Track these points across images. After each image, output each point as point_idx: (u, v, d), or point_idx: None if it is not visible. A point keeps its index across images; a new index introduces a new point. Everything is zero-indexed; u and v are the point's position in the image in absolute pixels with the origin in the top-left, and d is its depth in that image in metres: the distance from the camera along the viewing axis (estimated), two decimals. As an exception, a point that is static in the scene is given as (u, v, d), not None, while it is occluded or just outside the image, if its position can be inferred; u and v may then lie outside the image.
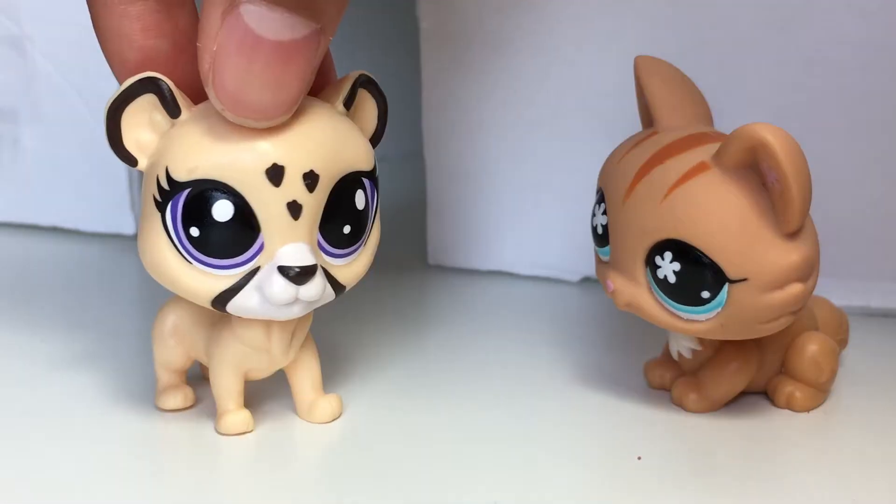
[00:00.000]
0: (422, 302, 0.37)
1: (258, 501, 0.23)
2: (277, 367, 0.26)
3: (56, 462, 0.25)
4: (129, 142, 0.23)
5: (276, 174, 0.22)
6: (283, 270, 0.23)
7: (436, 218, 0.38)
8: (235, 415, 0.25)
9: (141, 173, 0.24)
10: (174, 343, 0.26)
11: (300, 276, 0.23)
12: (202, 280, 0.23)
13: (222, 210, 0.22)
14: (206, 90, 0.22)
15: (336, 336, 0.31)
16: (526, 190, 0.37)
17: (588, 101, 0.35)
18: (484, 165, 0.37)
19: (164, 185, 0.22)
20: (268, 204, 0.22)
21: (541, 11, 0.34)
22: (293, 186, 0.23)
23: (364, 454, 0.25)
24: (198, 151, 0.22)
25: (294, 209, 0.23)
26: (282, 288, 0.23)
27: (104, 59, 0.24)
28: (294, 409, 0.27)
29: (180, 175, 0.22)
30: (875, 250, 0.33)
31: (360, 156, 0.24)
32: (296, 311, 0.24)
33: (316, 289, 0.23)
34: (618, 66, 0.32)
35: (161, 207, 0.23)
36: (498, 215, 0.37)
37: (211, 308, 0.24)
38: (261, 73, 0.21)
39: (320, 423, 0.26)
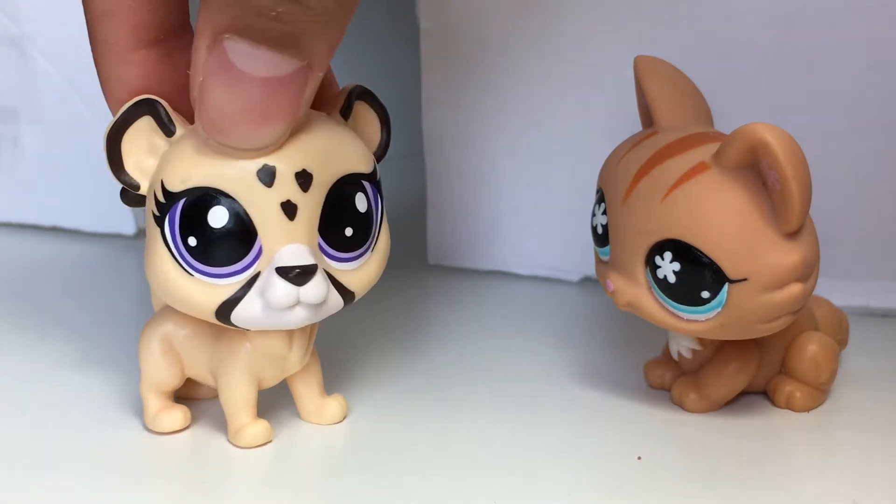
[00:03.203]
0: (422, 302, 0.37)
1: None
2: (289, 374, 0.26)
3: (54, 466, 0.25)
4: (131, 166, 0.23)
5: (266, 174, 0.22)
6: (281, 271, 0.23)
7: (436, 218, 0.38)
8: (254, 426, 0.25)
9: None
10: (167, 363, 0.26)
11: (299, 276, 0.23)
12: (204, 291, 0.23)
13: (218, 216, 0.22)
14: (195, 119, 0.22)
15: (336, 336, 0.31)
16: (526, 190, 0.37)
17: (588, 101, 0.35)
18: (484, 165, 0.37)
19: (161, 197, 0.23)
20: (262, 205, 0.22)
21: (541, 11, 0.34)
22: (286, 186, 0.23)
23: (365, 455, 0.25)
24: (190, 161, 0.23)
25: (288, 209, 0.23)
26: (282, 290, 0.23)
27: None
28: (297, 413, 0.27)
29: (174, 186, 0.22)
30: (875, 250, 0.33)
31: (356, 158, 0.24)
32: (299, 317, 0.23)
33: (317, 290, 0.23)
34: (618, 66, 0.32)
35: (160, 221, 0.23)
36: (498, 215, 0.37)
37: (215, 321, 0.23)
38: (244, 106, 0.21)
39: (330, 424, 0.26)
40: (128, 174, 0.23)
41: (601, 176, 0.27)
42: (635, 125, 0.29)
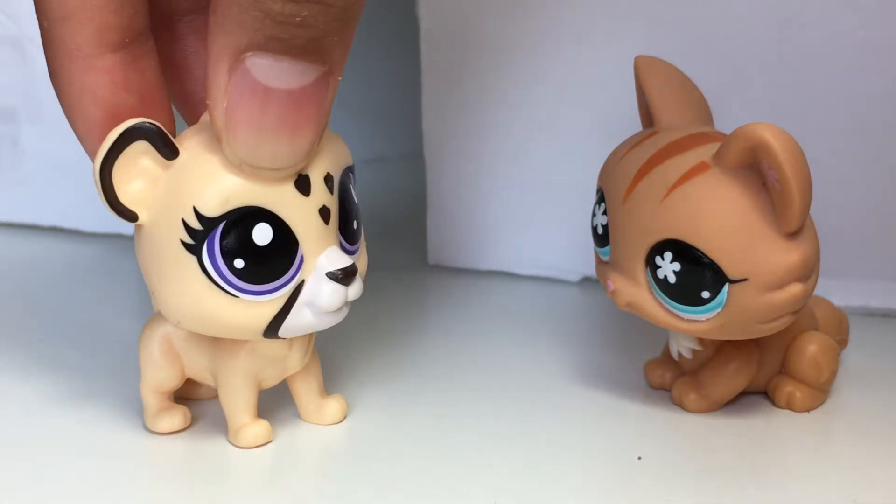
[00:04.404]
0: (422, 302, 0.37)
1: None
2: (289, 374, 0.26)
3: (53, 466, 0.25)
4: (125, 196, 0.22)
5: (303, 184, 0.23)
6: (332, 276, 0.23)
7: (436, 218, 0.38)
8: (255, 427, 0.25)
9: None
10: (166, 364, 0.25)
11: (347, 276, 0.23)
12: (252, 311, 0.23)
13: (262, 234, 0.22)
14: (221, 145, 0.22)
15: (336, 336, 0.31)
16: (526, 190, 0.37)
17: (588, 101, 0.35)
18: (484, 165, 0.37)
19: (195, 225, 0.22)
20: (302, 215, 0.23)
21: (541, 11, 0.34)
22: (319, 192, 0.23)
23: (365, 455, 0.25)
24: (224, 183, 0.22)
25: (324, 214, 0.23)
26: (335, 293, 0.23)
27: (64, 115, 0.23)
28: (296, 413, 0.27)
29: (212, 210, 0.22)
30: (875, 250, 0.33)
31: (346, 150, 0.24)
32: (342, 315, 0.24)
33: (358, 287, 0.24)
34: (618, 66, 0.32)
35: (195, 250, 0.22)
36: (498, 215, 0.37)
37: (260, 340, 0.24)
38: (275, 123, 0.21)
39: (330, 425, 0.26)
40: (124, 206, 0.22)
41: (601, 176, 0.27)
42: (635, 125, 0.29)
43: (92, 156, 0.23)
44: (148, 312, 0.28)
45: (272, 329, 0.23)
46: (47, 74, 0.23)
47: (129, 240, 0.42)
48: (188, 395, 0.28)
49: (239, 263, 0.22)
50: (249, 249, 0.22)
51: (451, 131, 0.37)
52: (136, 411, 0.27)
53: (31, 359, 0.30)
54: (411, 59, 0.38)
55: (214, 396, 0.27)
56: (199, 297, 0.22)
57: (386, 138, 0.54)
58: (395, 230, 0.43)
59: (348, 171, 0.24)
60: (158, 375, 0.26)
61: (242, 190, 0.22)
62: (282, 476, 0.24)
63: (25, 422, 0.27)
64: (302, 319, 0.23)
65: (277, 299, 0.23)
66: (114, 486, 0.24)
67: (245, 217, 0.22)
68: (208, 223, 0.22)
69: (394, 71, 0.50)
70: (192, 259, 0.22)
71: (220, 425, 0.26)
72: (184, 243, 0.22)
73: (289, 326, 0.23)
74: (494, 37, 0.35)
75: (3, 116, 0.42)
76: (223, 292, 0.22)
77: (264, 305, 0.23)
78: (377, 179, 0.50)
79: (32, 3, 0.22)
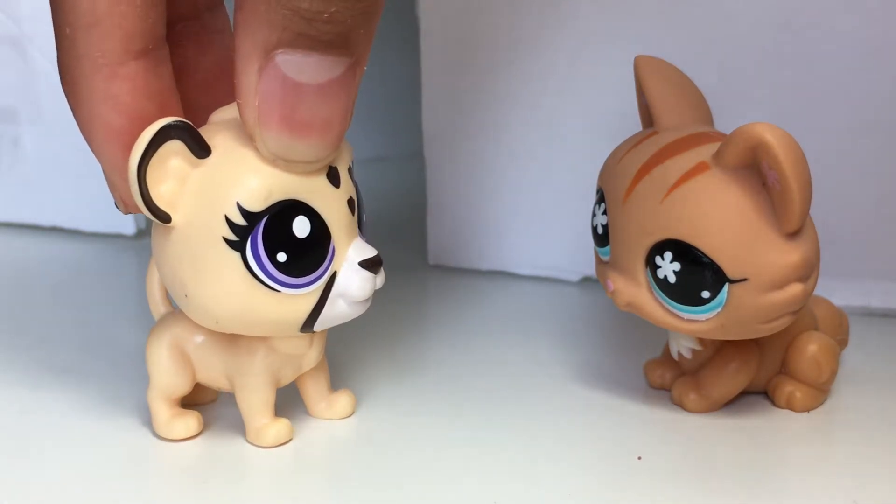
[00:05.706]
0: (422, 302, 0.37)
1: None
2: (303, 371, 0.26)
3: (51, 467, 0.25)
4: (157, 198, 0.22)
5: (334, 176, 0.23)
6: (365, 264, 0.23)
7: (436, 218, 0.38)
8: (277, 425, 0.25)
9: None
10: (177, 370, 0.25)
11: (377, 265, 0.24)
12: (291, 306, 0.23)
13: (302, 226, 0.23)
14: (255, 142, 0.22)
15: (337, 336, 0.31)
16: (526, 190, 0.37)
17: (588, 101, 0.35)
18: (484, 165, 0.37)
19: (239, 220, 0.22)
20: (333, 207, 0.23)
21: (541, 11, 0.34)
22: (346, 184, 0.23)
23: (364, 453, 0.25)
24: (264, 177, 0.22)
25: (351, 205, 0.24)
26: (366, 282, 0.24)
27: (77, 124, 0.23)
28: (298, 411, 0.27)
29: (256, 205, 0.22)
30: (875, 250, 0.33)
31: (349, 145, 0.25)
32: (368, 305, 0.24)
33: (383, 276, 0.24)
34: (618, 66, 0.32)
35: (239, 245, 0.22)
36: (498, 215, 0.37)
37: (295, 335, 0.24)
38: (307, 117, 0.21)
39: (341, 419, 0.27)
40: (158, 207, 0.22)
41: (601, 176, 0.27)
42: (635, 125, 0.29)
43: (106, 164, 0.23)
44: (148, 313, 0.28)
45: (309, 322, 0.23)
46: (47, 74, 0.23)
47: (130, 240, 0.42)
48: (187, 400, 0.27)
49: (282, 257, 0.22)
50: (291, 242, 0.22)
51: (451, 131, 0.37)
52: (137, 411, 0.27)
53: (30, 359, 0.30)
54: (411, 59, 0.38)
55: (213, 401, 0.28)
56: (240, 294, 0.22)
57: (386, 138, 0.54)
58: (395, 230, 0.43)
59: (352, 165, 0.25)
60: (169, 382, 0.25)
61: (283, 183, 0.22)
62: (302, 474, 0.24)
63: (25, 423, 0.27)
64: (336, 310, 0.24)
65: (314, 292, 0.23)
66: (123, 489, 0.24)
67: (285, 210, 0.22)
68: (252, 218, 0.22)
69: (394, 71, 0.50)
70: (235, 256, 0.22)
71: (226, 427, 0.26)
72: (226, 240, 0.22)
73: (325, 318, 0.24)
74: (494, 37, 0.35)
75: (3, 116, 0.42)
76: (265, 288, 0.23)
77: (302, 299, 0.23)
78: (377, 179, 0.50)
79: (49, 8, 0.22)
